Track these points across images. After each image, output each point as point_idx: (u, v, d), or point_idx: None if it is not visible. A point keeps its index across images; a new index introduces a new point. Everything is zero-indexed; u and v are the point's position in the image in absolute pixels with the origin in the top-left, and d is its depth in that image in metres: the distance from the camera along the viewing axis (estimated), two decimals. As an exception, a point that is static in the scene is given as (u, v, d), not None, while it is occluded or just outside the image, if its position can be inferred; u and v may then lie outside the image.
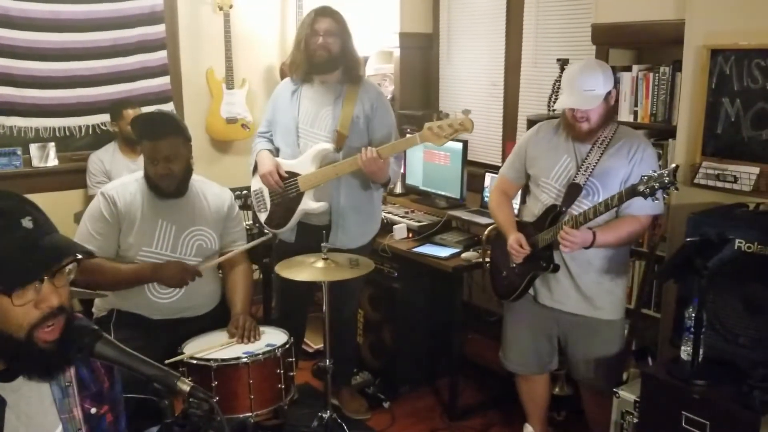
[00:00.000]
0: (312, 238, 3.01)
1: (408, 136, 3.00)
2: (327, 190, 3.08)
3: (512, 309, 2.86)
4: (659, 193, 2.25)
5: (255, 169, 3.23)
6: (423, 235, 3.64)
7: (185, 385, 1.28)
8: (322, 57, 3.01)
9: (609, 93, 2.52)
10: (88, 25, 3.97)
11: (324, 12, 3.04)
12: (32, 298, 1.27)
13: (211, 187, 2.86)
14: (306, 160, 3.05)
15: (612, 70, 3.16)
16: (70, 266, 1.32)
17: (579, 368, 2.76)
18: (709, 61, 2.65)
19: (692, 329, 2.25)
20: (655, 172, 2.26)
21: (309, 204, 3.07)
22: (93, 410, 1.46)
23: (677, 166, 2.26)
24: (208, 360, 2.41)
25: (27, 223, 1.28)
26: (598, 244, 2.50)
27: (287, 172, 3.09)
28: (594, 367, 2.69)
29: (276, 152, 3.20)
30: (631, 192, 2.32)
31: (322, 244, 2.78)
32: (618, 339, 2.72)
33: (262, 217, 3.26)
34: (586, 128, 2.54)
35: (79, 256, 1.30)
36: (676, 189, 2.29)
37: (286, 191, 3.10)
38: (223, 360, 2.41)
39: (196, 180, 2.79)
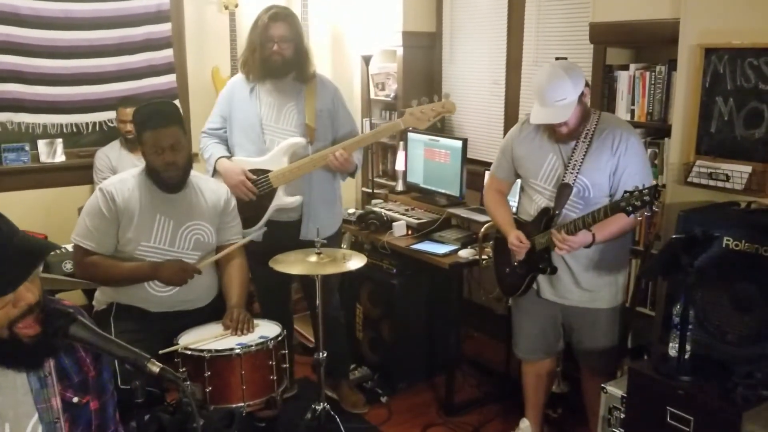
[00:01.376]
0: (281, 234, 3.04)
1: (389, 122, 3.03)
2: (298, 185, 3.11)
3: (518, 303, 2.93)
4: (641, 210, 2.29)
5: (213, 173, 3.19)
6: (422, 232, 3.67)
7: (155, 367, 1.31)
8: (277, 62, 3.05)
9: (581, 93, 2.51)
10: (96, 23, 4.03)
11: (277, 17, 3.05)
12: (10, 299, 1.30)
13: (207, 182, 2.89)
14: (277, 155, 3.08)
15: (609, 68, 3.21)
16: None
17: (582, 352, 2.83)
18: (703, 60, 2.66)
19: (679, 326, 2.27)
20: (637, 189, 2.28)
21: (283, 199, 3.10)
22: (75, 399, 1.50)
23: (656, 185, 2.29)
24: (202, 351, 2.45)
25: None
26: (598, 241, 2.54)
27: (255, 171, 3.10)
28: (596, 350, 2.76)
29: (231, 150, 3.19)
30: (615, 208, 2.35)
31: (315, 239, 2.83)
32: (618, 323, 2.77)
33: None
34: (566, 131, 2.57)
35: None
36: (656, 209, 2.33)
37: (257, 190, 3.11)
38: (216, 351, 2.45)
39: (193, 175, 2.81)
